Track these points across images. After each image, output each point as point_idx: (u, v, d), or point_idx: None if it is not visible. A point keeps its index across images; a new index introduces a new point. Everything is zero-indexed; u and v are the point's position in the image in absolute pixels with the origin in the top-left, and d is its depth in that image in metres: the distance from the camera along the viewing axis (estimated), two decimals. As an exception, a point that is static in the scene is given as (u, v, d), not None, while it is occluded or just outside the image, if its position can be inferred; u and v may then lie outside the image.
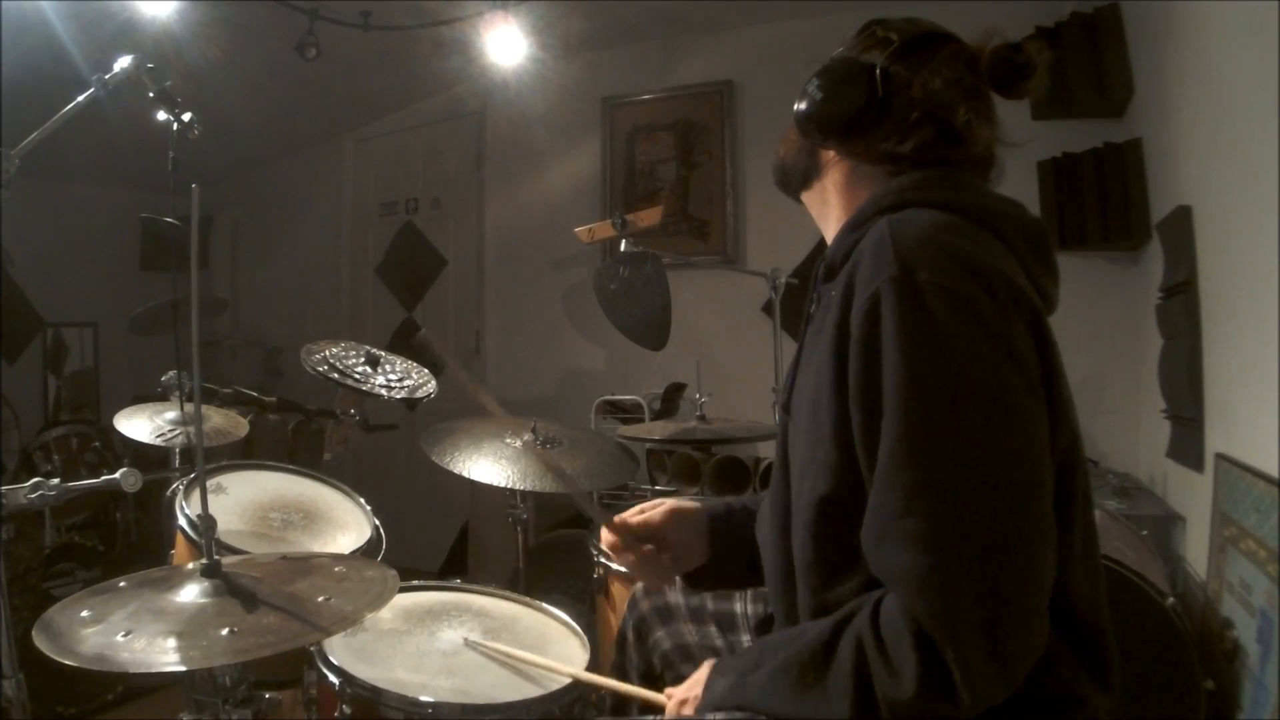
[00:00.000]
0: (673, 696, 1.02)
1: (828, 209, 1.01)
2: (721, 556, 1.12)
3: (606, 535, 1.12)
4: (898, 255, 0.77)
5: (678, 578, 1.15)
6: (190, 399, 1.86)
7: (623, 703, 1.25)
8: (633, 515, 1.13)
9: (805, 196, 1.05)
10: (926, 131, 0.90)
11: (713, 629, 1.20)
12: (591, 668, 1.29)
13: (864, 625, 0.77)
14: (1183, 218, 1.93)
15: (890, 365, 0.75)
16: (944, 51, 0.92)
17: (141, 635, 0.91)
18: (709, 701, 0.92)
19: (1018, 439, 0.74)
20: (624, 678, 1.22)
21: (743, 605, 1.20)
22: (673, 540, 1.12)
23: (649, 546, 1.10)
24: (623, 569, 1.60)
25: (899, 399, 0.74)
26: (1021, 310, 0.79)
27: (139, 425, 2.11)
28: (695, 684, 0.97)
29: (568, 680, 1.24)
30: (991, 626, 0.70)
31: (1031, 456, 0.75)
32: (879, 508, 0.76)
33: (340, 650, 1.28)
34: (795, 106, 0.96)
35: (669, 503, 1.14)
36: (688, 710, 0.96)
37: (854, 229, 0.89)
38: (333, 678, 1.22)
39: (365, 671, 1.22)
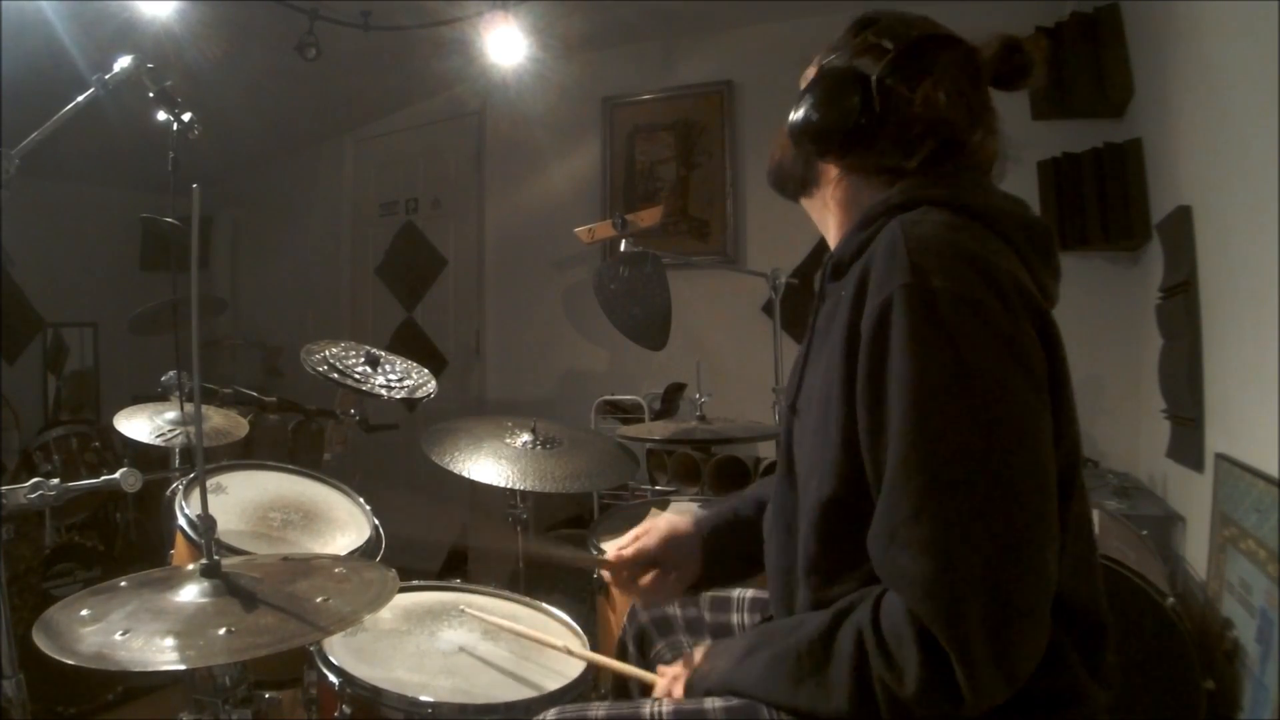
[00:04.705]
0: (664, 674, 1.03)
1: (828, 213, 1.01)
2: (715, 570, 1.16)
3: (611, 578, 1.19)
4: (911, 260, 0.77)
5: None
6: (190, 399, 1.85)
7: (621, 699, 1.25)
8: (628, 548, 1.17)
9: (804, 201, 1.04)
10: (930, 145, 0.89)
11: (709, 640, 1.20)
12: (590, 671, 1.29)
13: (864, 620, 0.77)
14: (1183, 218, 1.93)
15: (900, 369, 0.75)
16: (943, 59, 0.89)
17: (140, 634, 0.91)
18: (699, 683, 0.93)
19: (1027, 445, 0.75)
20: (627, 690, 1.22)
21: (739, 616, 1.21)
22: (670, 564, 1.16)
23: (652, 572, 1.15)
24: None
25: (911, 403, 0.74)
26: (1030, 313, 0.79)
27: (139, 425, 2.11)
28: (687, 662, 0.99)
29: (565, 681, 1.25)
30: (997, 631, 0.70)
31: (1039, 462, 0.75)
32: (888, 512, 0.75)
33: (340, 650, 1.28)
34: (790, 118, 0.94)
35: (661, 525, 1.17)
36: (677, 688, 0.97)
37: (863, 227, 0.89)
38: (333, 678, 1.22)
39: (365, 671, 1.22)
